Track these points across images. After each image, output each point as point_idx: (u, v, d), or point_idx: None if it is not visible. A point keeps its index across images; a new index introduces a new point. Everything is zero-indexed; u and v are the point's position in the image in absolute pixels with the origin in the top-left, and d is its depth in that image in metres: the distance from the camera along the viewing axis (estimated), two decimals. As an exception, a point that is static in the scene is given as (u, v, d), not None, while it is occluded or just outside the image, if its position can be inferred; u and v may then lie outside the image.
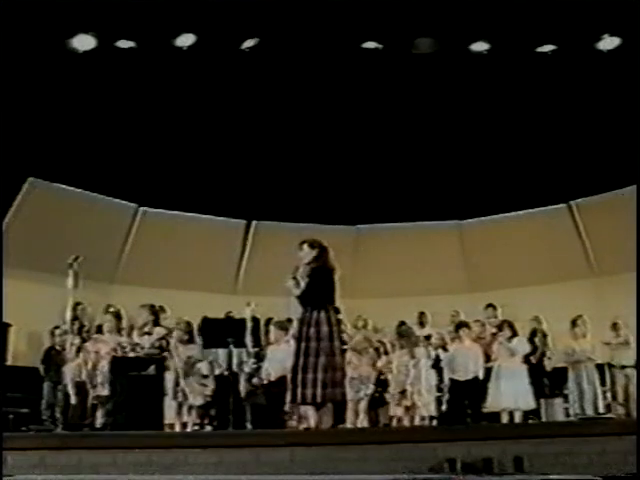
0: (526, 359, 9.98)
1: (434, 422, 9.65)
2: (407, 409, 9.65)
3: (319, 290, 6.93)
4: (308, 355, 6.79)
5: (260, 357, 9.39)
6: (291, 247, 7.21)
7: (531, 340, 10.42)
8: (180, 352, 9.16)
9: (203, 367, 9.42)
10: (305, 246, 7.07)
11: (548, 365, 10.56)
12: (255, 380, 9.17)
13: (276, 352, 9.21)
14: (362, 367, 9.62)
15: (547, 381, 10.42)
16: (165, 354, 8.80)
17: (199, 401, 9.23)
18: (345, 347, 8.22)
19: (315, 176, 11.83)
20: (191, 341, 9.34)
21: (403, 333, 10.23)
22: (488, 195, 12.25)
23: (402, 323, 10.53)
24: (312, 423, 6.84)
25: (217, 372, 9.35)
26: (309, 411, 6.95)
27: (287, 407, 8.00)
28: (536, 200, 12.47)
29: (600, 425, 6.42)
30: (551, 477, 5.10)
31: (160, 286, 11.60)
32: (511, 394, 9.56)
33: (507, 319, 10.29)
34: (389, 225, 13.05)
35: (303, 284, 6.92)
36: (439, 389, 9.97)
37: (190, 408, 9.14)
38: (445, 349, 10.25)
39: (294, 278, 6.98)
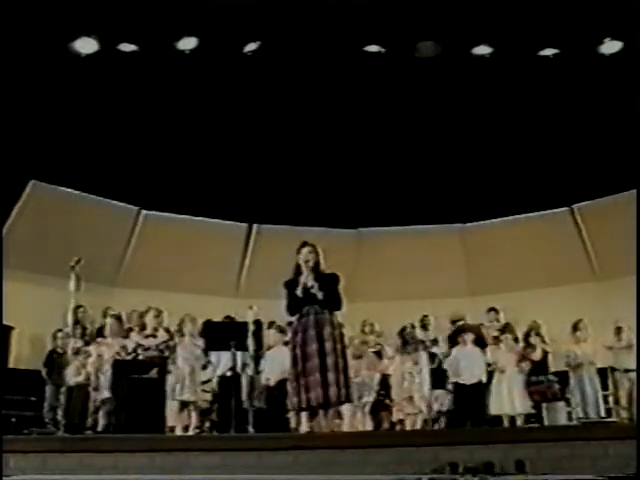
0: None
1: (436, 426, 9.65)
2: (410, 413, 9.65)
3: (329, 293, 6.89)
4: (310, 358, 6.76)
5: (261, 360, 9.39)
6: (293, 250, 7.19)
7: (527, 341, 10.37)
8: (187, 356, 9.17)
9: (207, 371, 9.43)
10: (308, 248, 7.03)
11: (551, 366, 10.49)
12: (256, 383, 9.17)
13: (276, 355, 9.21)
14: (362, 371, 9.61)
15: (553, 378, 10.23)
16: (167, 356, 8.81)
17: (201, 404, 9.24)
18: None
19: (317, 179, 11.83)
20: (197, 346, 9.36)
21: (406, 338, 10.21)
22: (490, 198, 12.24)
23: (412, 326, 10.49)
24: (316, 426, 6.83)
25: (218, 374, 9.37)
26: (313, 414, 6.93)
27: (291, 410, 7.97)
28: (538, 204, 12.47)
29: (602, 429, 6.43)
30: (552, 477, 5.11)
31: (162, 289, 11.60)
32: (512, 398, 9.56)
33: (509, 322, 10.30)
34: (391, 229, 13.03)
35: (316, 287, 6.84)
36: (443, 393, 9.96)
37: (191, 411, 9.14)
38: (448, 353, 10.25)
39: (305, 285, 6.86)
